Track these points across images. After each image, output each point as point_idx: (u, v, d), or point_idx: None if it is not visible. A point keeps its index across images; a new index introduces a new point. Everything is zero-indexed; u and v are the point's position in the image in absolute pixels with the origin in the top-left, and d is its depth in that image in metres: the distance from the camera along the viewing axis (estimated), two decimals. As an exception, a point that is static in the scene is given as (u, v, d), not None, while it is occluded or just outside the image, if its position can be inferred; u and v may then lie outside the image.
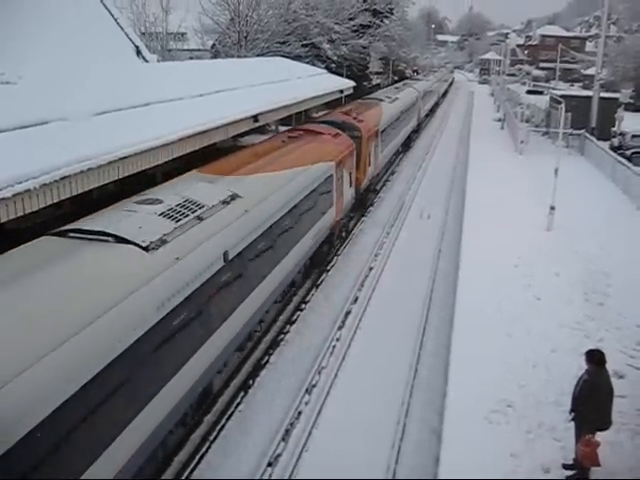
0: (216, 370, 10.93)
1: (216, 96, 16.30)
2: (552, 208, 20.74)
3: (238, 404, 12.03)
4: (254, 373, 13.01)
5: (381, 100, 33.21)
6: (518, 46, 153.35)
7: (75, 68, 15.34)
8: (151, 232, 9.06)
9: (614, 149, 34.87)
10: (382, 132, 28.44)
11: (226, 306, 10.69)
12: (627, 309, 14.86)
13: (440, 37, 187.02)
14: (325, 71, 32.98)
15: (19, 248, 8.13)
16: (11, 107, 10.09)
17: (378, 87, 59.09)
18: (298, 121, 26.69)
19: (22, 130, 9.35)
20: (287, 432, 11.22)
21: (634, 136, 36.92)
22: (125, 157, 10.26)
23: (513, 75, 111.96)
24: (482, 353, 12.64)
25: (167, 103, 13.79)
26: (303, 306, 16.26)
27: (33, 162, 8.42)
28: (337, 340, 14.63)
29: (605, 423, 9.06)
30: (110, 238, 8.63)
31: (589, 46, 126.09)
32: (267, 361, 13.59)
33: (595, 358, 9.16)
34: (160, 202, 10.11)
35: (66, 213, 10.56)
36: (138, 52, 23.69)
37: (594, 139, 36.01)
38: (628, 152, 34.83)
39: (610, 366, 9.40)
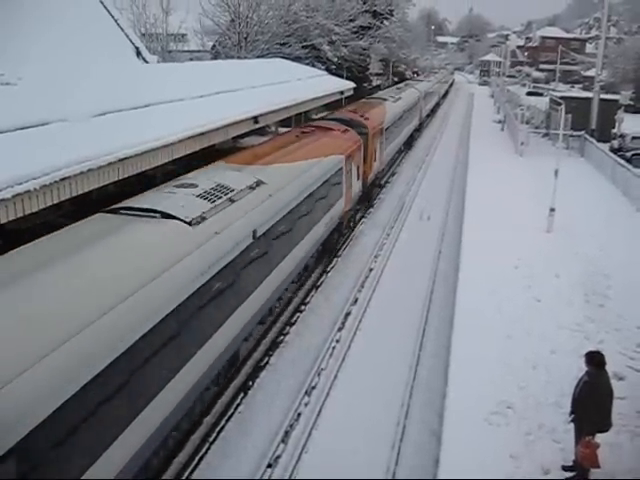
0: (243, 338, 12.06)
1: (216, 97, 16.29)
2: (552, 210, 20.75)
3: (238, 405, 12.02)
4: (254, 374, 13.01)
5: (385, 99, 34.13)
6: (518, 47, 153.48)
7: (75, 69, 15.33)
8: (192, 210, 10.27)
9: (614, 151, 34.89)
10: (386, 130, 29.46)
11: (253, 279, 11.96)
12: (627, 311, 14.86)
13: (440, 38, 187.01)
14: (325, 72, 32.99)
15: (77, 224, 9.26)
16: (11, 108, 10.08)
17: (378, 88, 59.07)
18: (298, 122, 26.69)
19: (22, 131, 9.34)
20: (287, 433, 11.22)
21: (634, 138, 36.94)
22: (125, 158, 10.25)
23: (513, 77, 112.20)
24: (482, 354, 12.64)
25: (167, 104, 13.78)
26: (303, 307, 16.26)
27: (33, 163, 8.41)
28: (337, 341, 14.62)
29: (605, 425, 9.05)
30: (157, 215, 9.82)
31: (589, 48, 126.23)
32: (267, 362, 13.58)
33: (595, 360, 9.15)
34: (195, 186, 11.33)
35: (66, 213, 10.57)
36: (138, 53, 23.69)
37: (594, 141, 36.03)
38: (628, 154, 34.85)
39: (610, 368, 9.41)
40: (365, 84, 56.71)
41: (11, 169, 8.02)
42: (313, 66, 35.52)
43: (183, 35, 42.54)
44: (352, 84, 31.53)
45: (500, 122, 51.89)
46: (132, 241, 9.03)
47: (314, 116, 32.01)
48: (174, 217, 9.86)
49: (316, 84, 25.76)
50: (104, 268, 8.05)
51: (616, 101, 45.17)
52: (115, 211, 9.90)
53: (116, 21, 23.87)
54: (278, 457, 10.62)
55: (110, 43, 22.26)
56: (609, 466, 9.26)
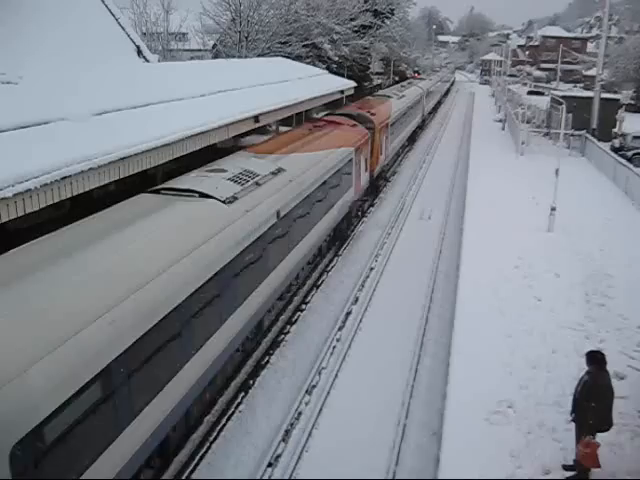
0: (267, 309, 13.34)
1: (217, 96, 16.29)
2: (553, 209, 20.72)
3: (238, 404, 12.03)
4: (254, 373, 13.01)
5: (390, 97, 35.49)
6: (519, 47, 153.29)
7: (76, 68, 15.33)
8: (225, 191, 11.55)
9: (615, 150, 34.85)
10: (392, 125, 30.89)
11: (277, 255, 13.33)
12: (628, 310, 14.85)
13: (441, 38, 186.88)
14: (326, 71, 32.98)
15: (123, 202, 10.39)
16: (12, 107, 10.08)
17: (379, 87, 59.10)
18: (299, 122, 26.68)
19: (23, 130, 9.34)
20: (287, 432, 11.23)
21: (635, 137, 36.89)
22: (126, 157, 10.26)
23: (514, 76, 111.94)
24: (482, 354, 12.64)
25: (168, 103, 13.78)
26: (303, 306, 16.26)
27: (34, 162, 8.41)
28: (337, 340, 14.63)
29: (606, 424, 9.05)
30: (196, 194, 11.06)
31: (590, 47, 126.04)
32: (267, 361, 13.58)
33: (596, 359, 9.15)
34: (225, 171, 12.66)
35: (66, 214, 10.56)
36: (139, 52, 23.69)
37: (595, 140, 36.01)
38: (629, 153, 34.79)
39: (611, 367, 9.40)
40: (366, 83, 56.70)
41: (12, 168, 8.02)
42: (314, 65, 35.51)
43: (184, 34, 42.51)
44: (353, 83, 31.53)
45: (501, 121, 51.84)
46: (175, 217, 10.24)
47: (315, 115, 32.00)
48: (211, 196, 11.14)
49: (317, 83, 25.76)
50: (154, 239, 9.18)
51: (617, 100, 45.05)
52: (157, 191, 11.19)
53: (117, 20, 23.87)
54: (279, 456, 10.62)
55: (111, 42, 22.25)
56: (610, 466, 9.26)
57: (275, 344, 14.25)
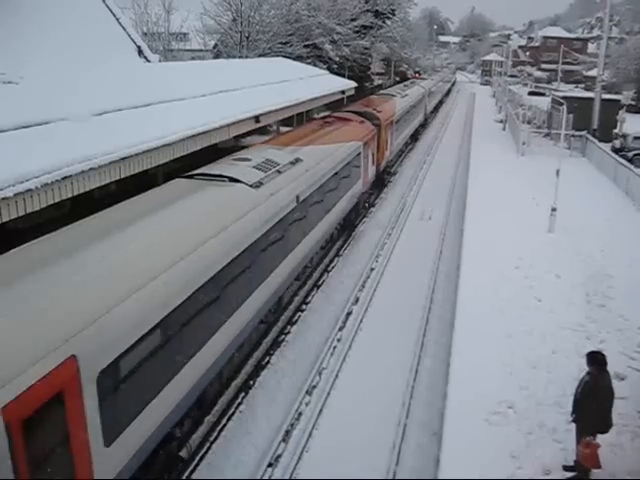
0: (286, 287, 14.50)
1: (218, 96, 16.28)
2: (554, 210, 20.72)
3: (239, 404, 12.03)
4: (255, 373, 13.01)
5: (394, 95, 36.70)
6: (520, 47, 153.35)
7: (77, 68, 15.33)
8: (252, 176, 12.75)
9: (616, 151, 34.83)
10: (396, 122, 32.23)
11: (297, 236, 14.58)
12: (629, 311, 14.85)
13: (442, 38, 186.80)
14: (327, 72, 32.94)
15: (160, 187, 11.61)
16: (13, 107, 10.08)
17: (380, 88, 59.06)
18: (299, 122, 26.71)
19: (24, 130, 9.34)
20: (287, 433, 11.23)
21: (636, 138, 36.86)
22: (126, 157, 10.26)
23: (515, 76, 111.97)
24: (483, 354, 12.64)
25: (169, 103, 13.78)
26: (304, 307, 16.26)
27: (34, 162, 8.41)
28: (338, 341, 14.63)
29: (606, 425, 9.05)
30: (226, 179, 12.17)
31: (591, 47, 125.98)
32: (268, 361, 13.58)
33: (596, 360, 9.14)
34: (249, 160, 13.86)
35: (66, 214, 10.57)
36: (140, 52, 23.68)
37: (596, 141, 35.99)
38: (630, 154, 34.76)
39: (611, 368, 9.38)
40: (367, 83, 56.73)
41: (13, 168, 8.03)
42: (315, 65, 35.49)
43: (185, 34, 42.46)
44: (353, 83, 31.51)
45: (502, 122, 51.82)
46: (210, 198, 11.33)
47: (316, 115, 32.02)
48: (240, 181, 12.29)
49: (317, 83, 25.73)
50: (193, 217, 10.24)
51: (618, 101, 45.00)
52: (191, 177, 12.33)
53: (118, 20, 23.87)
54: (279, 456, 10.62)
55: (112, 42, 22.25)
56: (610, 466, 9.26)
57: (275, 344, 14.25)
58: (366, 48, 49.45)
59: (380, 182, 29.21)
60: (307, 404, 12.12)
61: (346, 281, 18.21)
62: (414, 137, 44.87)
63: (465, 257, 18.44)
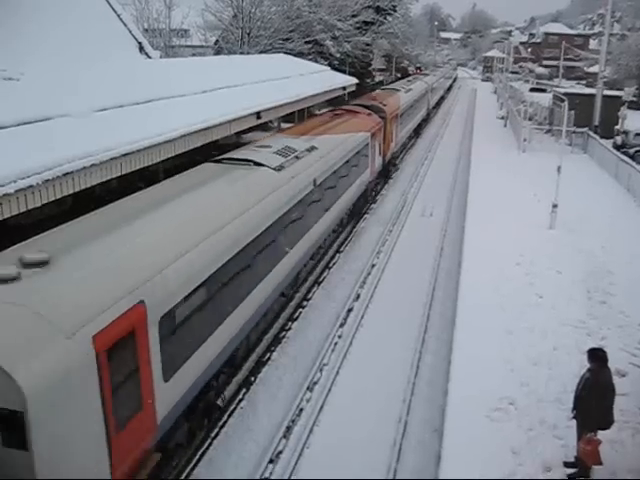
0: (303, 264, 15.75)
1: (219, 93, 16.27)
2: (555, 206, 20.70)
3: (240, 401, 12.04)
4: (256, 370, 13.01)
5: (398, 90, 37.83)
6: (521, 44, 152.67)
7: (78, 64, 15.32)
8: (274, 161, 14.03)
9: (617, 147, 34.78)
10: (401, 116, 33.33)
11: (313, 217, 15.92)
12: (630, 307, 14.85)
13: (443, 34, 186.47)
14: (328, 68, 32.89)
15: (192, 170, 12.79)
16: (13, 103, 10.08)
17: (381, 84, 59.00)
18: (300, 118, 26.69)
19: (25, 126, 9.34)
20: (288, 429, 11.24)
21: (637, 134, 36.84)
22: (127, 153, 10.26)
23: (516, 73, 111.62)
24: (484, 351, 12.64)
25: (170, 99, 13.77)
26: (305, 303, 16.26)
27: (35, 158, 8.41)
28: (339, 337, 14.63)
29: (607, 421, 9.05)
30: (251, 163, 13.43)
31: (592, 44, 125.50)
32: (269, 358, 13.59)
33: (597, 356, 9.15)
34: (270, 147, 15.15)
35: (67, 210, 10.57)
36: (141, 48, 23.67)
37: (597, 137, 35.95)
38: (631, 150, 34.73)
39: (612, 364, 9.39)
40: (368, 80, 56.66)
41: (14, 164, 8.03)
42: (316, 62, 35.48)
43: (186, 30, 42.44)
44: (354, 80, 31.49)
45: (503, 118, 51.74)
46: (238, 179, 12.58)
47: (317, 112, 32.00)
48: (264, 165, 13.54)
49: (318, 80, 25.71)
50: (226, 195, 11.63)
51: (619, 97, 44.87)
52: (219, 161, 13.63)
53: (119, 16, 23.85)
54: (280, 453, 10.64)
55: (113, 38, 22.23)
56: (611, 463, 9.26)
57: (276, 340, 14.26)
58: (367, 44, 49.42)
59: (386, 172, 30.24)
60: (308, 400, 12.12)
61: (347, 277, 18.21)
62: (417, 131, 45.67)
63: (466, 254, 18.43)
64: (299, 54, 36.07)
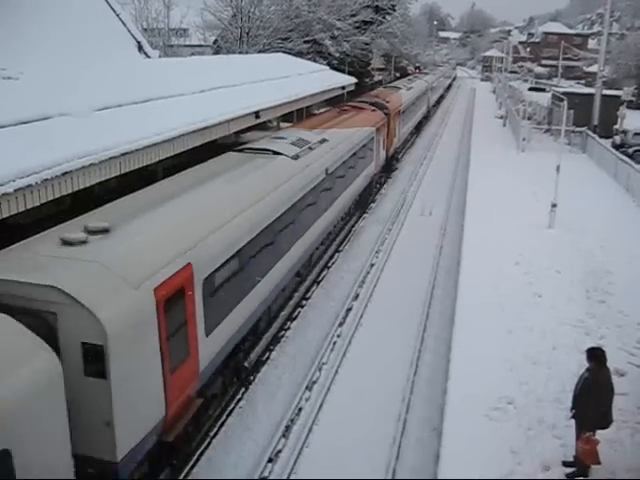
0: (315, 247, 16.99)
1: (217, 92, 16.26)
2: (554, 205, 20.69)
3: (239, 400, 12.04)
4: (255, 369, 13.02)
5: (399, 88, 39.38)
6: (520, 43, 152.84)
7: (77, 63, 15.31)
8: (291, 150, 15.44)
9: (616, 147, 34.77)
10: (403, 112, 34.75)
11: (325, 203, 17.31)
12: (629, 307, 14.85)
13: (442, 34, 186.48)
14: (327, 67, 32.89)
15: (214, 159, 13.97)
16: (13, 102, 10.07)
17: (380, 84, 59.00)
18: (299, 118, 26.68)
19: (23, 125, 9.33)
20: (287, 428, 11.25)
21: (636, 134, 36.83)
22: (126, 153, 10.25)
23: (515, 72, 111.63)
24: (483, 350, 12.65)
25: (169, 99, 13.76)
26: (304, 302, 16.26)
27: (34, 157, 8.40)
28: (338, 336, 14.64)
29: (606, 421, 9.05)
30: (270, 152, 14.82)
31: (591, 43, 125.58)
32: (268, 357, 13.59)
33: (596, 356, 9.14)
34: (285, 138, 16.60)
35: (66, 209, 10.56)
36: (140, 48, 23.64)
37: (596, 137, 35.94)
38: (630, 150, 34.74)
39: (611, 364, 9.39)
40: (367, 79, 56.64)
41: (13, 163, 8.02)
42: (315, 61, 35.46)
43: (185, 30, 42.41)
44: (354, 79, 31.50)
45: (502, 118, 51.75)
46: (260, 166, 13.81)
47: (315, 111, 32.00)
48: (282, 154, 14.91)
49: (317, 79, 25.70)
50: (250, 180, 12.89)
51: (618, 97, 44.87)
52: (240, 150, 15.01)
53: (118, 16, 23.82)
54: (279, 452, 10.64)
55: (112, 38, 22.21)
56: (609, 462, 9.27)
57: (275, 340, 14.26)
58: (366, 44, 49.40)
59: (388, 167, 31.31)
60: (307, 400, 12.13)
61: (346, 277, 18.22)
62: (417, 129, 46.61)
63: (465, 253, 18.44)
64: (298, 53, 36.06)
